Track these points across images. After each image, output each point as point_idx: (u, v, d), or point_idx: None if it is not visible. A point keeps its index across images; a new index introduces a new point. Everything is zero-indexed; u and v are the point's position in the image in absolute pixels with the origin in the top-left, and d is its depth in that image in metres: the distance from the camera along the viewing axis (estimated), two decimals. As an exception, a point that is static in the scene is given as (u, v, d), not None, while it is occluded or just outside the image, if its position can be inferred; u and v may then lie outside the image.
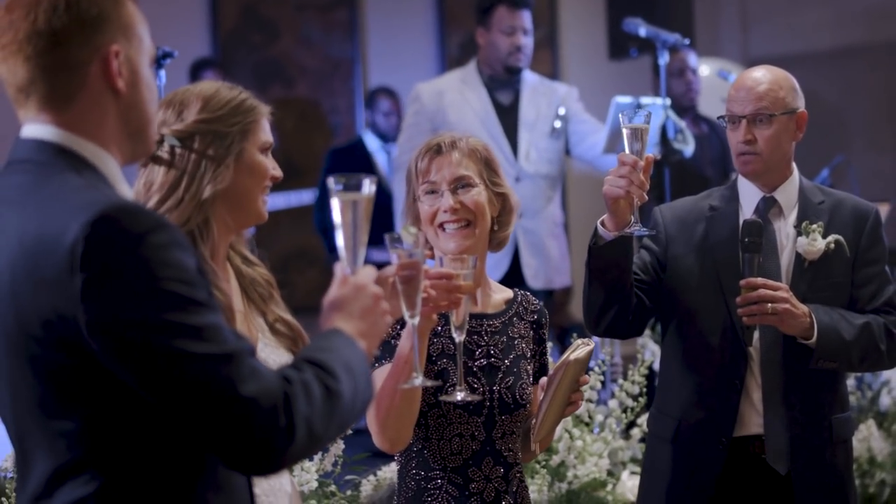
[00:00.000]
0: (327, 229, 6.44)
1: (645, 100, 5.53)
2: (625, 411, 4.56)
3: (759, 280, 3.12)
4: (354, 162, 6.95)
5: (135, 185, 2.31)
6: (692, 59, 6.70)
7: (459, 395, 2.50)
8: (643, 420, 4.54)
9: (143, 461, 1.75)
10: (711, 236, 3.29)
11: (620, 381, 4.65)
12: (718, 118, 3.37)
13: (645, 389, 4.60)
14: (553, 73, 8.47)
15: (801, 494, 3.21)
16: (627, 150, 2.94)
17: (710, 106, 6.84)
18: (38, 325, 1.71)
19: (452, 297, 2.41)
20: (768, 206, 3.29)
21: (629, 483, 4.47)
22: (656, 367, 4.86)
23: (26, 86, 1.80)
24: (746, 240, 3.17)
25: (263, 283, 2.47)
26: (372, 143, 7.19)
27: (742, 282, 3.13)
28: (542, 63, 8.07)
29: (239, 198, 2.34)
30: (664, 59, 5.64)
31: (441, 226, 2.78)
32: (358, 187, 1.99)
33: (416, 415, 2.64)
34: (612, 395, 4.65)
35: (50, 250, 1.69)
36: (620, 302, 3.15)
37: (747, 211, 3.30)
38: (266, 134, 2.38)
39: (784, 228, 3.29)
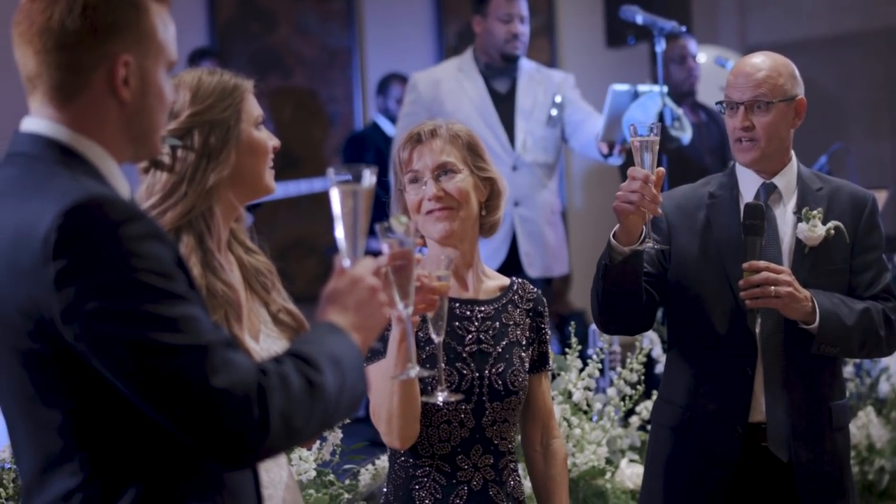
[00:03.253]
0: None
1: (642, 87, 5.50)
2: (623, 399, 4.56)
3: (762, 263, 3.11)
4: (373, 146, 6.94)
5: (137, 190, 2.29)
6: (693, 45, 6.68)
7: (441, 397, 2.49)
8: (642, 408, 4.54)
9: (132, 452, 1.74)
10: (713, 223, 3.28)
11: (619, 369, 4.65)
12: (717, 104, 3.35)
13: (643, 377, 4.59)
14: (550, 61, 8.45)
15: (801, 481, 3.20)
16: (638, 163, 2.94)
17: (708, 93, 6.82)
18: (18, 316, 1.71)
19: (428, 299, 2.36)
20: (768, 192, 3.28)
21: (628, 471, 4.47)
22: (654, 354, 4.86)
23: (33, 77, 1.81)
24: (748, 222, 3.16)
25: (266, 272, 2.45)
26: (389, 128, 7.17)
27: (744, 265, 3.12)
28: (539, 51, 8.06)
29: (245, 178, 2.34)
30: (661, 46, 5.62)
31: (428, 214, 2.77)
32: (358, 178, 1.97)
33: (419, 408, 2.62)
34: (611, 383, 4.65)
35: (26, 240, 1.69)
36: (633, 306, 3.16)
37: (747, 197, 3.28)
38: (256, 108, 2.38)
39: (784, 215, 3.28)
